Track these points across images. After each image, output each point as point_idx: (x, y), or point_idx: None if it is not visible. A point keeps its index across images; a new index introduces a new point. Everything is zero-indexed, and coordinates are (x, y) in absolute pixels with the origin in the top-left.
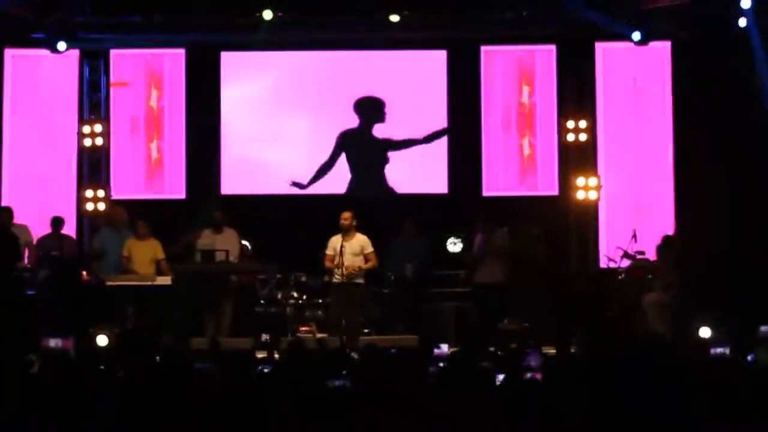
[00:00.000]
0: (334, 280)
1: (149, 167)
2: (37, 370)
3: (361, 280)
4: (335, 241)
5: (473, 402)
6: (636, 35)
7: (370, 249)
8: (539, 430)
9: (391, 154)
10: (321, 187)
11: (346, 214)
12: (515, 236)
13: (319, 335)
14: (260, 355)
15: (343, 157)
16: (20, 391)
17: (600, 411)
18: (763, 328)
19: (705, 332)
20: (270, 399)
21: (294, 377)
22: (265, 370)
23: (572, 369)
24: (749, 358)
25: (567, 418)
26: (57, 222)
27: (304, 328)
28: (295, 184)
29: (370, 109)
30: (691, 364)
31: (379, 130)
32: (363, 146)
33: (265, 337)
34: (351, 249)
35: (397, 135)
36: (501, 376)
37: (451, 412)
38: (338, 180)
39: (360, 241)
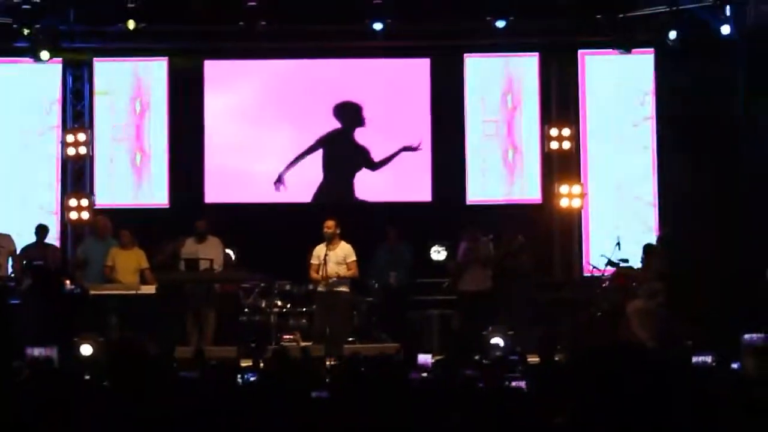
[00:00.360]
0: (319, 288)
1: (133, 176)
2: (24, 378)
3: (345, 289)
4: (319, 249)
5: (456, 411)
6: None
7: (352, 258)
8: None
9: (360, 132)
10: (305, 196)
11: (330, 223)
12: (499, 246)
13: (303, 344)
14: (244, 363)
15: (317, 155)
16: (5, 398)
17: (582, 418)
18: (746, 337)
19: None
20: (254, 408)
21: (278, 386)
22: (251, 379)
23: (557, 377)
24: (734, 366)
25: (550, 426)
26: (41, 230)
27: (287, 337)
28: (277, 182)
29: (350, 113)
30: (672, 371)
31: (362, 137)
32: (342, 148)
33: (251, 344)
34: (335, 258)
35: (377, 150)
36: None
37: (433, 421)
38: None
39: (344, 249)
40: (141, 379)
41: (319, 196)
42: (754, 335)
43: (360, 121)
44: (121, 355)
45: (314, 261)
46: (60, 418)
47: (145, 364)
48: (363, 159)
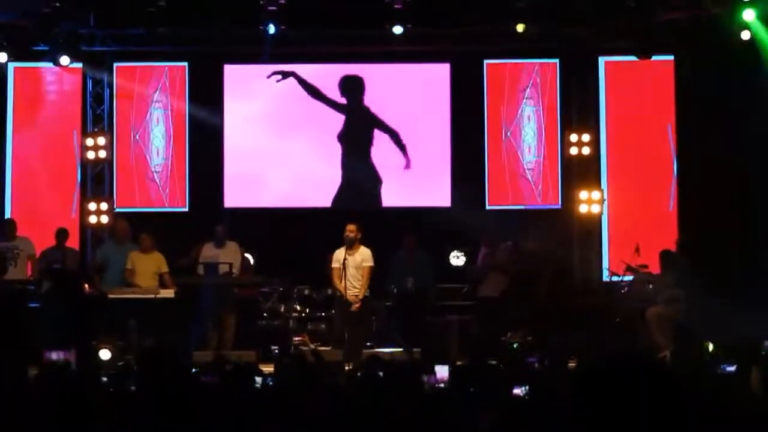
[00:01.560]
0: (338, 293)
1: (152, 180)
2: (36, 381)
3: (365, 294)
4: (339, 254)
5: (474, 417)
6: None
7: (368, 263)
8: None
9: (376, 133)
10: (324, 200)
11: (351, 227)
12: (519, 256)
13: (312, 346)
14: (265, 368)
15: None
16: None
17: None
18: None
19: (708, 347)
20: (273, 412)
21: (296, 390)
22: (270, 383)
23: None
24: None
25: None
26: (61, 234)
27: (297, 339)
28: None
29: (356, 86)
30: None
31: (382, 138)
32: (354, 121)
33: (274, 348)
34: (354, 262)
35: (394, 158)
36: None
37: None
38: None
39: (362, 254)
40: (171, 387)
41: (339, 200)
42: None
43: (363, 91)
44: (153, 364)
45: (335, 265)
46: (77, 422)
47: (174, 373)
48: (375, 125)
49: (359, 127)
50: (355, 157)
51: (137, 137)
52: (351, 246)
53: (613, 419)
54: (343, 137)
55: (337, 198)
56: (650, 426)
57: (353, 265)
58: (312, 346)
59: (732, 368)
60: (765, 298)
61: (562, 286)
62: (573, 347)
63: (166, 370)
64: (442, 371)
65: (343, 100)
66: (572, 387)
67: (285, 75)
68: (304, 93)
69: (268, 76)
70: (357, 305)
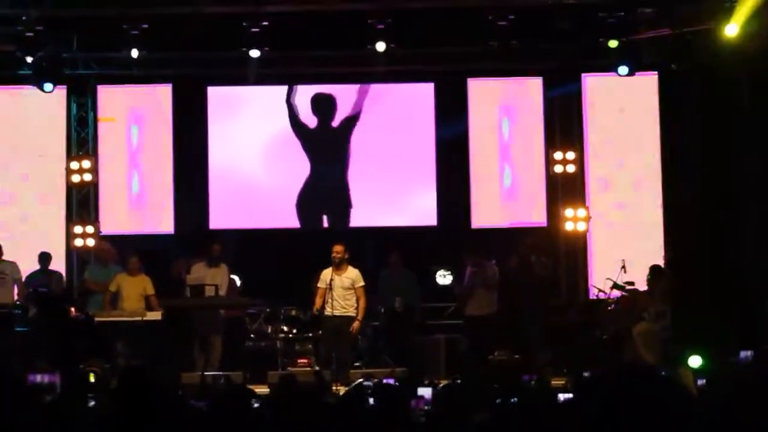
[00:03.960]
0: (325, 313)
1: (137, 202)
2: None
3: (351, 313)
4: (326, 274)
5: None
6: (623, 69)
7: (360, 283)
8: None
9: (361, 153)
10: (312, 221)
11: (338, 248)
12: (516, 253)
13: (316, 368)
14: (258, 389)
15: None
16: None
17: None
18: (742, 354)
19: (694, 362)
20: None
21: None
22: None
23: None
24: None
25: None
26: (44, 258)
27: (302, 361)
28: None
29: (327, 105)
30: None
31: (367, 159)
32: (322, 141)
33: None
34: (341, 282)
35: (381, 177)
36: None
37: None
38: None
39: (350, 275)
40: (149, 408)
41: (311, 220)
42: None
43: (334, 112)
44: (129, 384)
45: (321, 285)
46: None
47: (152, 393)
48: (344, 131)
49: (331, 147)
50: (329, 177)
51: (121, 160)
52: (339, 266)
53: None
54: (313, 158)
55: (309, 218)
56: None
57: (340, 285)
58: (316, 368)
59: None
60: (749, 313)
61: (548, 304)
62: (559, 364)
63: (141, 390)
64: (425, 393)
65: (315, 120)
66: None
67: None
68: (287, 114)
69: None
70: (356, 325)
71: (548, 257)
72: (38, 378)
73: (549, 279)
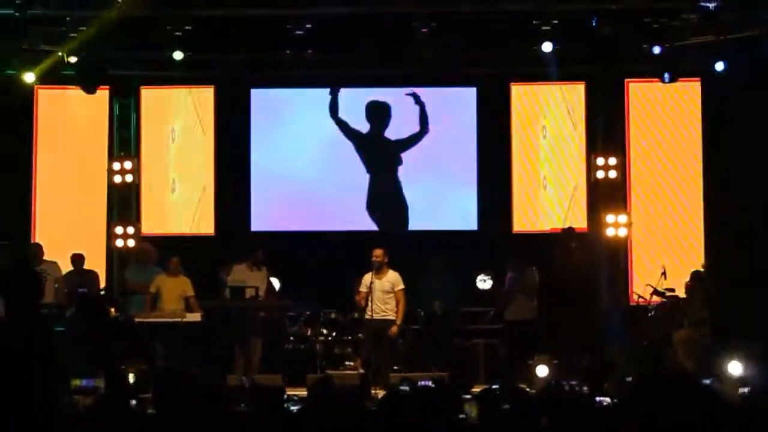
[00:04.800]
0: (365, 317)
1: (179, 204)
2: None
3: (391, 317)
4: (367, 278)
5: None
6: (666, 75)
7: (400, 286)
8: None
9: (406, 161)
10: (351, 224)
11: (378, 252)
12: (556, 241)
13: (361, 371)
14: (291, 392)
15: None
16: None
17: None
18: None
19: (735, 369)
20: None
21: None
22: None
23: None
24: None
25: None
26: (77, 259)
27: (349, 363)
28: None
29: (381, 113)
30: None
31: (408, 161)
32: (377, 148)
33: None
34: (381, 286)
35: (423, 182)
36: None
37: None
38: (368, 217)
39: (390, 278)
40: (187, 407)
41: (364, 223)
42: None
43: (388, 122)
44: (167, 383)
45: (363, 289)
46: None
47: (191, 393)
48: (400, 149)
49: (384, 152)
50: (381, 182)
51: (164, 161)
52: (379, 270)
53: None
54: (368, 162)
55: (378, 222)
56: None
57: (380, 289)
58: (360, 371)
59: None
60: None
61: (589, 309)
62: (600, 369)
63: (180, 389)
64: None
65: (366, 126)
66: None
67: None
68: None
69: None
70: (395, 329)
71: (588, 247)
72: (82, 382)
73: (590, 268)
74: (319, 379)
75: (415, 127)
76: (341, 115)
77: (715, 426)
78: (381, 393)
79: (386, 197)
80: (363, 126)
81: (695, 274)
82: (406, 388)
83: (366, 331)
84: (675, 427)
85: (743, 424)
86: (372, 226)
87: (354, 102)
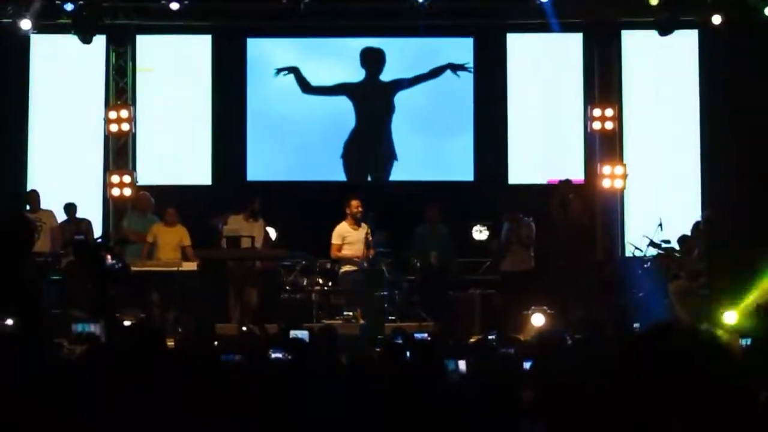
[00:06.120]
0: (350, 268)
1: (175, 153)
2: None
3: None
4: (342, 229)
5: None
6: (663, 26)
7: (369, 237)
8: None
9: (398, 108)
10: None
11: (358, 202)
12: (553, 194)
13: (362, 321)
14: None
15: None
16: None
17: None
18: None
19: (730, 318)
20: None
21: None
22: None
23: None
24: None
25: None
26: (70, 207)
27: (348, 313)
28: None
29: (376, 58)
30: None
31: (403, 112)
32: (370, 95)
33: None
34: (360, 237)
35: (418, 133)
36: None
37: (476, 400)
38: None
39: (365, 228)
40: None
41: (353, 173)
42: None
43: (382, 67)
44: (137, 339)
45: (336, 241)
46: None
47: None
48: (397, 89)
49: (377, 100)
50: (372, 131)
51: (160, 110)
52: (357, 221)
53: (663, 389)
54: (359, 110)
55: (352, 171)
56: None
57: (360, 240)
58: (361, 321)
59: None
60: None
61: (585, 260)
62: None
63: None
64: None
65: (360, 74)
66: (620, 356)
67: (289, 70)
68: (326, 66)
69: (276, 73)
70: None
71: (585, 200)
72: (80, 327)
73: (587, 220)
74: (321, 329)
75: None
76: (314, 84)
77: (716, 376)
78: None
79: (374, 145)
80: (357, 75)
81: (697, 225)
82: (400, 341)
83: (348, 282)
84: (676, 378)
85: (744, 375)
86: (363, 177)
87: (348, 52)
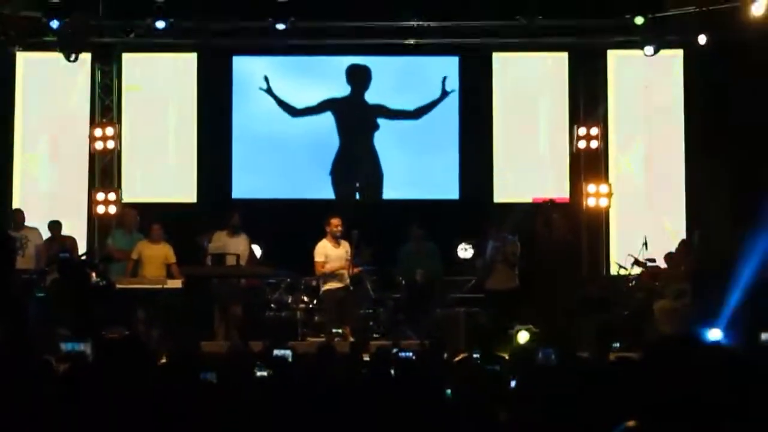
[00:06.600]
0: (332, 287)
1: (160, 171)
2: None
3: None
4: (325, 247)
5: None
6: (648, 47)
7: (350, 255)
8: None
9: (384, 126)
10: (330, 192)
11: (338, 221)
12: (537, 213)
13: (351, 339)
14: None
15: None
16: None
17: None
18: (764, 336)
19: (714, 337)
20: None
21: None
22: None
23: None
24: None
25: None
26: (55, 225)
27: (336, 331)
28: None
29: (361, 75)
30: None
31: (390, 129)
32: (354, 111)
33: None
34: (339, 255)
35: (403, 148)
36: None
37: (462, 417)
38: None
39: (346, 247)
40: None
41: (341, 192)
42: None
43: (368, 85)
44: (121, 353)
45: (320, 259)
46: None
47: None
48: (380, 115)
49: (360, 116)
50: (356, 147)
51: (145, 128)
52: (339, 240)
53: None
54: (343, 128)
55: (340, 189)
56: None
57: (340, 258)
58: (352, 339)
59: None
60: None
61: (570, 279)
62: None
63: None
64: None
65: (346, 91)
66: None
67: (273, 98)
68: (313, 84)
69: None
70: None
71: (569, 219)
72: (68, 346)
73: (571, 239)
74: (320, 346)
75: (409, 106)
76: (299, 106)
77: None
78: None
79: (360, 163)
80: (343, 92)
81: (683, 243)
82: (385, 359)
83: (337, 299)
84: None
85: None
86: (351, 195)
87: (335, 70)
